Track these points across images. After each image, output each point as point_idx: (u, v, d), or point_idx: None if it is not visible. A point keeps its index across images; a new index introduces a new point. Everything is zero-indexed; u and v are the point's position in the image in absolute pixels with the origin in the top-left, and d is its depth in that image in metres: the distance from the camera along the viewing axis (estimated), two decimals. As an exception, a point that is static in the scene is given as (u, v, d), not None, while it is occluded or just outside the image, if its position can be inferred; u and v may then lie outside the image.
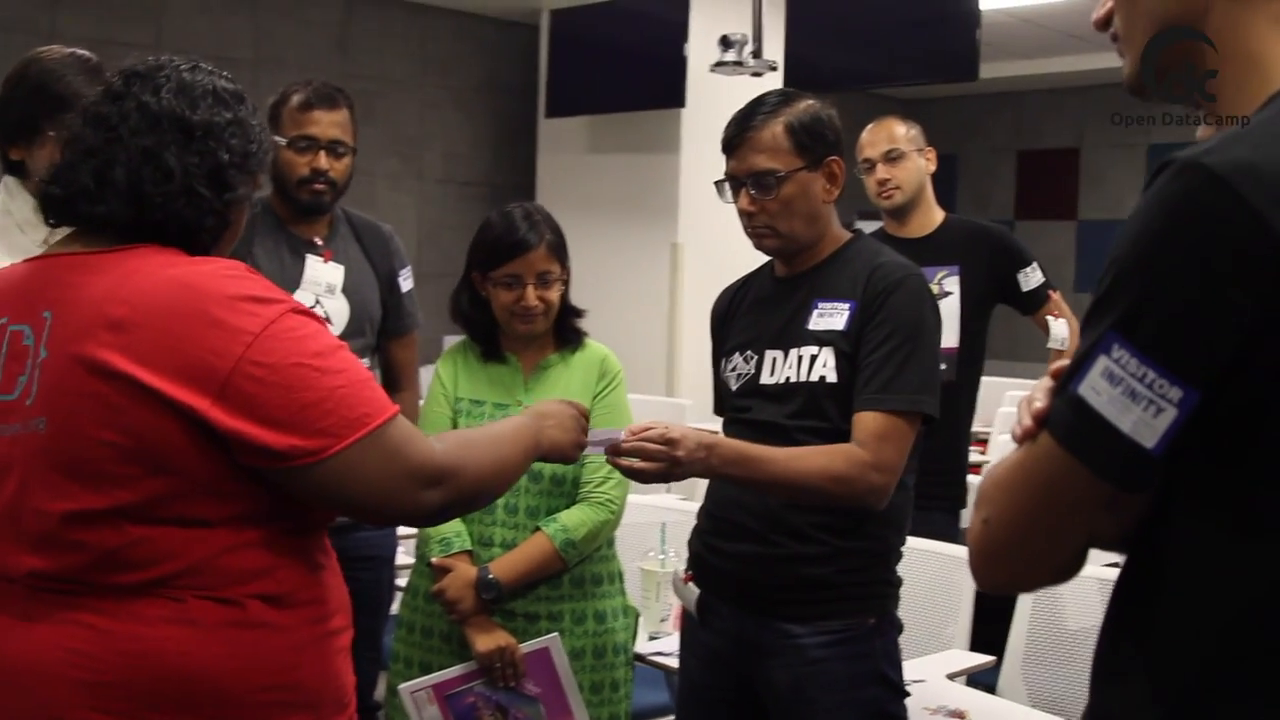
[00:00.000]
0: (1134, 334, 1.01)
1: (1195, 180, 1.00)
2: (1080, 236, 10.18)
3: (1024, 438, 1.10)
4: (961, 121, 10.41)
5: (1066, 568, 1.14)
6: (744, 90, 2.83)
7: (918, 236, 3.62)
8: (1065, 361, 1.08)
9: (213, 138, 1.57)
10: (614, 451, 2.08)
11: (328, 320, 2.82)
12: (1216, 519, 1.05)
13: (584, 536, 2.54)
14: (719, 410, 2.51)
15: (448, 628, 2.57)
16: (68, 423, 1.45)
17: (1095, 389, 1.02)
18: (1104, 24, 1.25)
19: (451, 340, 2.81)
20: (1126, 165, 9.87)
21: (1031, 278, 3.63)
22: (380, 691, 3.05)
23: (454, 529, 2.56)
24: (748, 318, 2.43)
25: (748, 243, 2.39)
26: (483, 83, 7.96)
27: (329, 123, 2.92)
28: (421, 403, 2.83)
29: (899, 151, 3.62)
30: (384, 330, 3.11)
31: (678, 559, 2.89)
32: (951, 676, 2.80)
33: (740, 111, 2.34)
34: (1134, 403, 1.01)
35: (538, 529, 2.54)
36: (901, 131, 3.65)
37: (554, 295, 2.62)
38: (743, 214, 2.32)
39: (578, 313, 2.71)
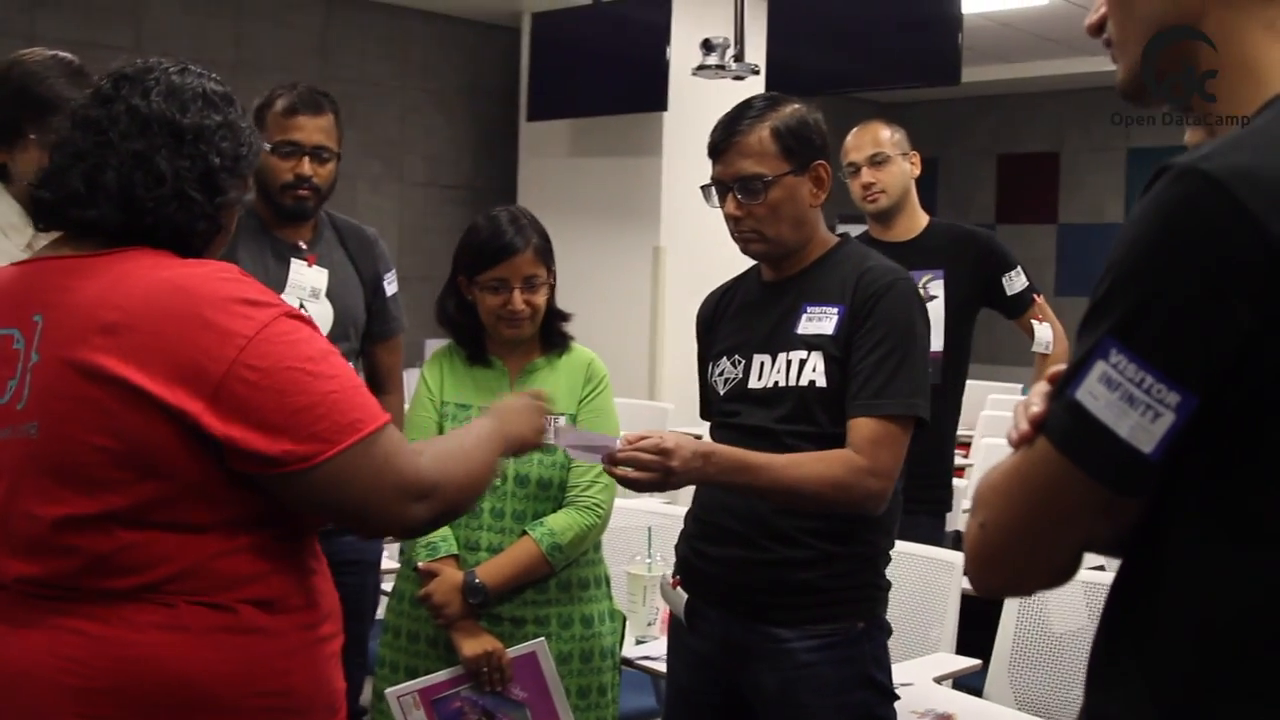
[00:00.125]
0: (1132, 338, 1.00)
1: (1194, 185, 0.99)
2: (1061, 240, 10.23)
3: (1020, 442, 1.10)
4: (942, 125, 10.44)
5: (1063, 572, 1.14)
6: (726, 94, 2.83)
7: (902, 240, 3.61)
8: (1062, 366, 1.08)
9: (203, 141, 1.56)
10: (609, 460, 2.09)
11: (312, 324, 2.80)
12: (1214, 523, 1.05)
13: (570, 541, 2.54)
14: (705, 415, 2.50)
15: (434, 632, 2.56)
16: (59, 427, 1.44)
17: (1093, 393, 1.02)
18: (1097, 29, 1.24)
19: (434, 343, 2.80)
20: (1107, 169, 9.93)
21: (1016, 281, 3.63)
22: (366, 696, 3.03)
23: (440, 533, 2.55)
24: (735, 322, 2.42)
25: (731, 246, 2.38)
26: (464, 86, 7.95)
27: (314, 128, 2.90)
28: (406, 407, 2.82)
29: (884, 155, 3.61)
30: (369, 334, 3.09)
31: (664, 563, 2.89)
32: (938, 680, 2.80)
33: (726, 116, 2.34)
34: (1132, 407, 1.00)
35: (524, 533, 2.54)
36: (886, 135, 3.64)
37: (540, 299, 2.61)
38: (729, 219, 2.31)
39: (564, 316, 2.70)
